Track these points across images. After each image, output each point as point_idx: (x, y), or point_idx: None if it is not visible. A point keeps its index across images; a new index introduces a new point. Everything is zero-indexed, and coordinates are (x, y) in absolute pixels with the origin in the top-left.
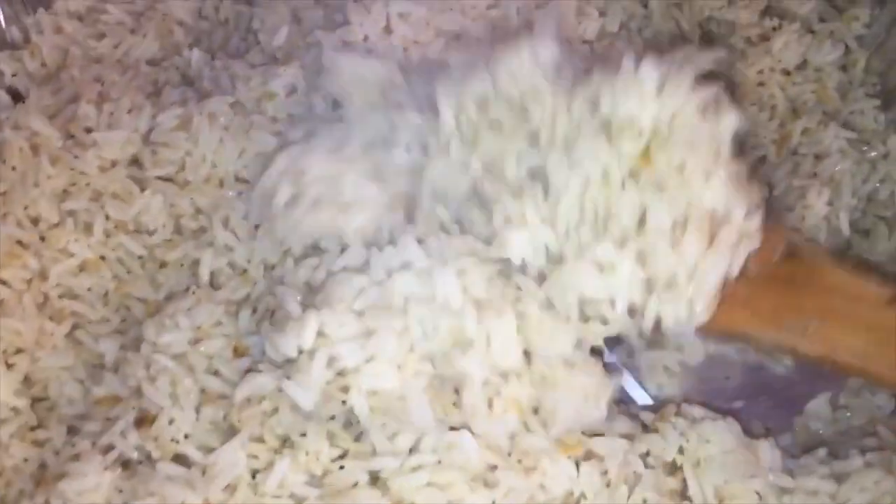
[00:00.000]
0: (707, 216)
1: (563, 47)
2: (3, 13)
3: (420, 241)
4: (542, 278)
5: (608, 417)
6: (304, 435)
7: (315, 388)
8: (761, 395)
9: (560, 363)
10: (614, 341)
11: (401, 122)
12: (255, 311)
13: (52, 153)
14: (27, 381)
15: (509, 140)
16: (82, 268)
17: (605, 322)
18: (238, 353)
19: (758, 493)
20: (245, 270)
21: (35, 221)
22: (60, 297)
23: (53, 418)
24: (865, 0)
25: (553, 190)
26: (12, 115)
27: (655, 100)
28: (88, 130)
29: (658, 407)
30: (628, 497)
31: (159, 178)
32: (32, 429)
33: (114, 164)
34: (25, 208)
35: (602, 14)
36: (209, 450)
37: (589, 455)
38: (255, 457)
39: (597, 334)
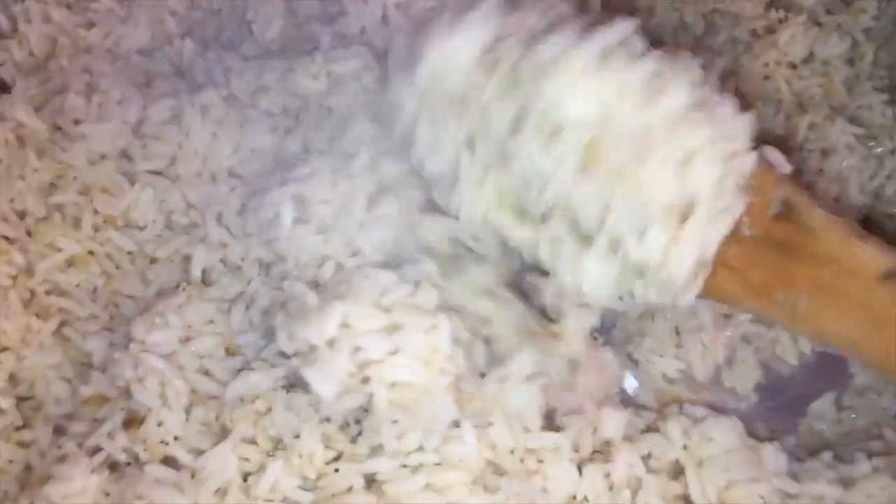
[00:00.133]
0: (672, 205)
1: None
2: None
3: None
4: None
5: (608, 417)
6: (297, 436)
7: (336, 379)
8: (764, 395)
9: None
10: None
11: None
12: (248, 309)
13: (39, 145)
14: (12, 379)
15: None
16: (70, 263)
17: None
18: (230, 352)
19: (762, 498)
20: (238, 268)
21: (21, 215)
22: (47, 293)
23: (39, 418)
24: None
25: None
26: None
27: (588, 84)
28: (77, 122)
29: (660, 407)
30: (631, 502)
31: (149, 171)
32: (18, 429)
33: (103, 157)
34: (11, 202)
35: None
36: (199, 452)
37: (593, 457)
38: (247, 459)
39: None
